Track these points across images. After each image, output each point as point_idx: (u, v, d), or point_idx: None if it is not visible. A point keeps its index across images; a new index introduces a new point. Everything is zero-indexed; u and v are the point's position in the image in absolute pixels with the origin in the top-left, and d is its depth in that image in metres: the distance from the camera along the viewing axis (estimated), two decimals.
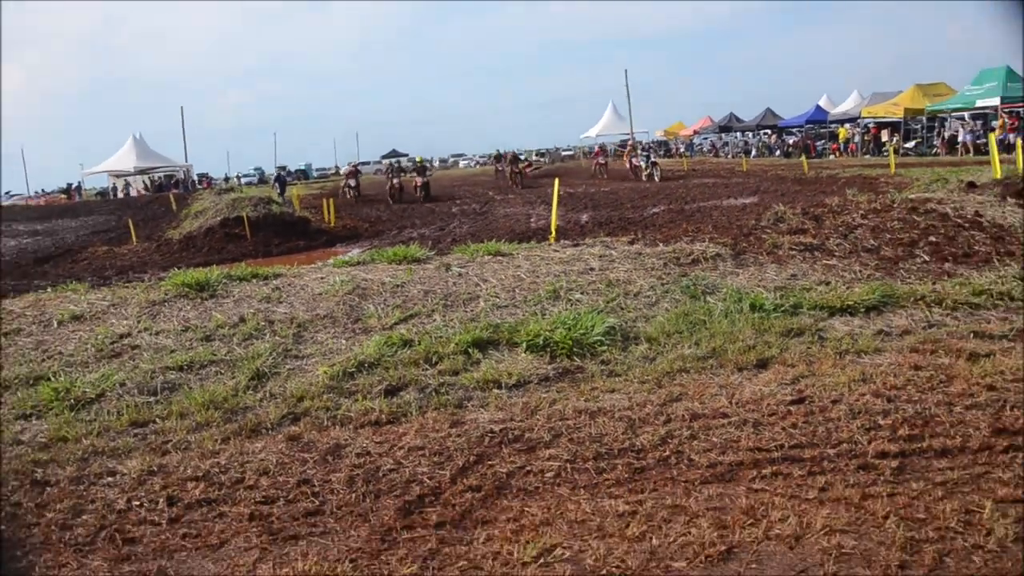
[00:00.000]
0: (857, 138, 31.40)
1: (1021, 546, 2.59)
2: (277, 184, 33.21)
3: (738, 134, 43.63)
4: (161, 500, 3.27)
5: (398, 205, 23.67)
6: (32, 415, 4.20)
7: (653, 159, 24.16)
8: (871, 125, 30.58)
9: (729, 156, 38.29)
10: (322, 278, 6.43)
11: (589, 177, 28.21)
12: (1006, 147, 20.41)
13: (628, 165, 27.41)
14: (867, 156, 28.62)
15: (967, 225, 6.63)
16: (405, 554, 2.78)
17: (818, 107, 37.66)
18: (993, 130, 22.55)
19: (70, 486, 3.44)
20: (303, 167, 72.29)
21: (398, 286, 6.02)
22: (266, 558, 2.80)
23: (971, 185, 9.31)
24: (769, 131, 40.34)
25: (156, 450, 3.79)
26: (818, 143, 33.94)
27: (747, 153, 37.83)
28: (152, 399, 4.36)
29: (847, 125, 33.11)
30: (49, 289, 7.19)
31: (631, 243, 7.09)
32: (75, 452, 3.75)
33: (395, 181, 25.49)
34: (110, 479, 3.49)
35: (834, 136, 33.40)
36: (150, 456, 3.71)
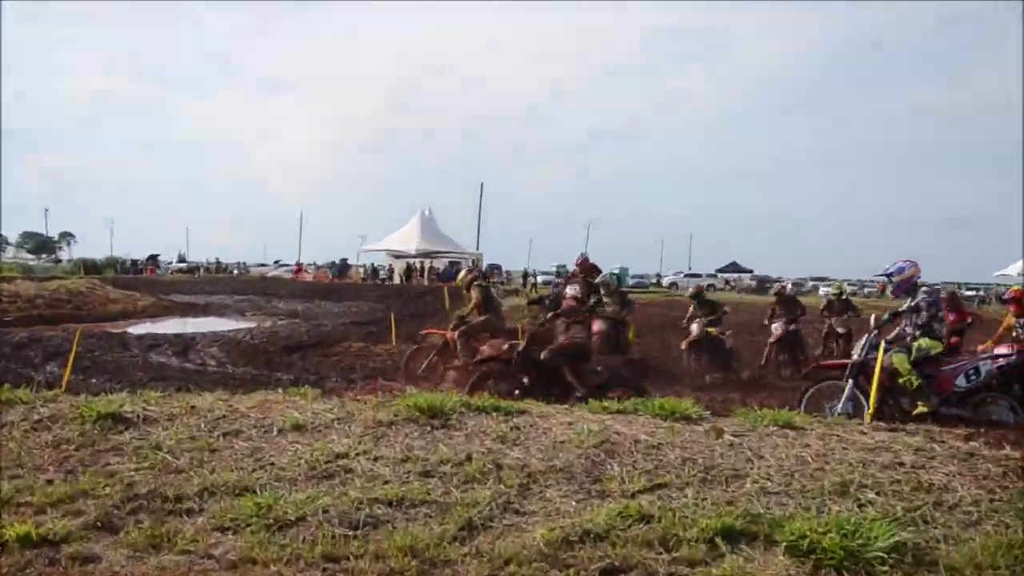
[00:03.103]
0: None
1: None
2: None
3: None
4: None
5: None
6: (229, 528, 5.16)
7: None
8: None
9: None
10: (570, 423, 7.06)
11: None
12: None
13: None
14: None
15: None
16: None
17: None
18: None
19: None
20: (616, 271, 74.71)
21: (654, 447, 6.50)
22: None
23: None
24: None
25: None
26: None
27: None
28: (351, 532, 5.11)
29: None
30: (280, 391, 8.53)
31: (967, 439, 7.06)
32: None
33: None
34: None
35: None
36: None
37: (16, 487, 5.78)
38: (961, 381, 11.09)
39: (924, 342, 11.31)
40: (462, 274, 19.10)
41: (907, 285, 11.83)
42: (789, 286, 22.65)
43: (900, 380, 11.03)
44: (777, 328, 19.48)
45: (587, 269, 19.61)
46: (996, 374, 11.21)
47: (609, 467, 6.25)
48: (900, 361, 11.15)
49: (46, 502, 5.52)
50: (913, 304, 11.58)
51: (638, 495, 5.77)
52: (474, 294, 17.24)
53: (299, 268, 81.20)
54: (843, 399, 11.21)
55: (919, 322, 11.52)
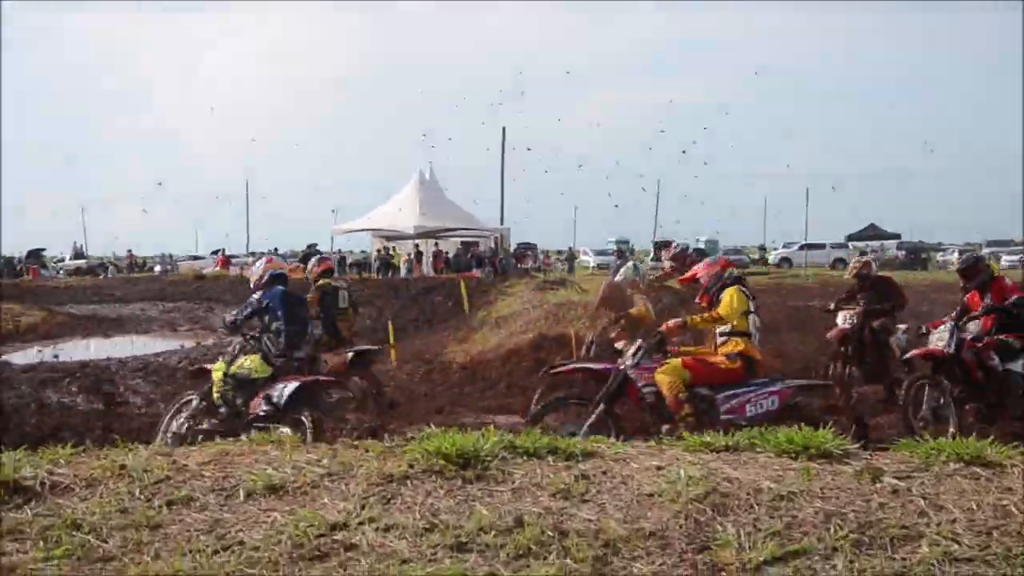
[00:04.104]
0: None
1: None
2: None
3: None
4: None
5: None
6: None
7: None
8: None
9: None
10: (659, 467, 6.85)
11: None
12: None
13: None
14: None
15: None
16: None
17: None
18: None
19: None
20: (702, 245, 73.19)
21: (781, 497, 6.28)
22: None
23: None
24: None
25: None
26: None
27: None
28: None
29: None
30: (244, 437, 8.20)
31: None
32: None
33: None
34: None
35: None
36: None
37: None
38: (263, 405, 12.08)
39: (249, 362, 12.18)
40: (311, 263, 19.62)
41: (260, 287, 12.89)
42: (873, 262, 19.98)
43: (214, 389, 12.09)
44: (843, 321, 16.95)
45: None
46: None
47: (720, 528, 6.00)
48: (217, 368, 12.29)
49: None
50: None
51: (765, 567, 5.54)
52: (310, 296, 17.72)
53: (226, 259, 78.68)
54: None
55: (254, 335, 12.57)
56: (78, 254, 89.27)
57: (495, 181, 73.07)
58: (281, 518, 6.26)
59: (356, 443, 7.70)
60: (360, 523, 6.15)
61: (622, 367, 11.74)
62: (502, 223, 64.37)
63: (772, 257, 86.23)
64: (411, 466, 6.95)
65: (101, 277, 72.81)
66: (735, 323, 11.73)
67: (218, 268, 72.94)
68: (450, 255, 63.45)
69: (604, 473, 6.83)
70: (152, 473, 7.05)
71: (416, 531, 6.02)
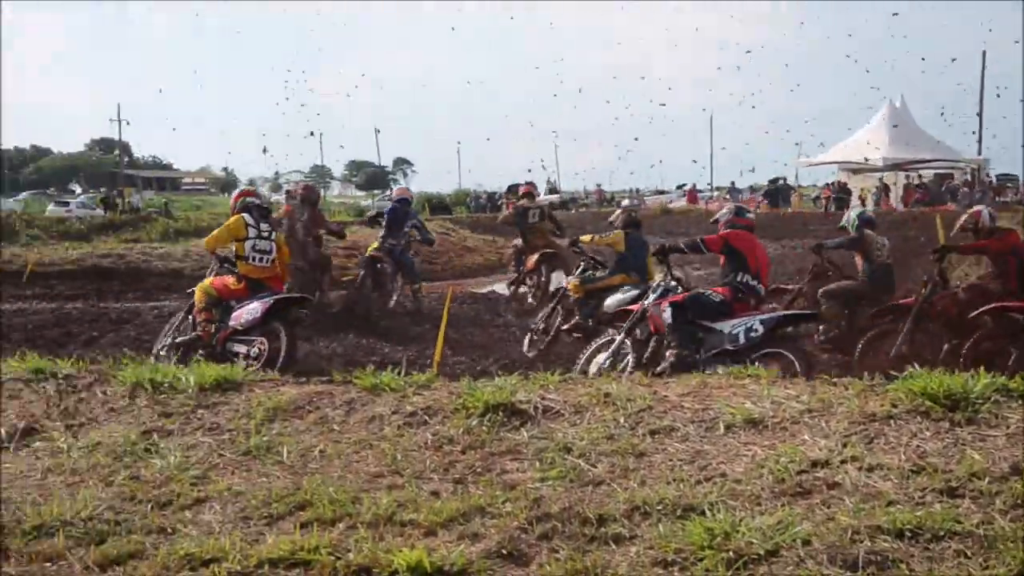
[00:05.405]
0: None
1: None
2: None
3: None
4: None
5: None
6: (675, 563, 5.00)
7: None
8: None
9: None
10: None
11: None
12: None
13: None
14: None
15: None
16: None
17: None
18: None
19: None
20: None
21: None
22: None
23: None
24: None
25: None
26: None
27: None
28: (847, 574, 4.79)
29: None
30: (719, 370, 8.24)
31: None
32: None
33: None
34: None
35: None
36: None
37: (397, 500, 5.95)
38: None
39: None
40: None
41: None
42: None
43: None
44: None
45: None
46: None
47: None
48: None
49: (435, 521, 5.63)
50: None
51: None
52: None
53: (693, 194, 78.64)
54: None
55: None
56: (552, 189, 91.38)
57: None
58: (761, 452, 6.28)
59: (835, 381, 7.58)
60: (842, 461, 6.04)
61: None
62: (979, 153, 61.08)
63: None
64: (894, 406, 6.76)
65: (572, 211, 74.34)
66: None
67: (686, 203, 73.32)
68: (921, 188, 60.60)
69: None
70: (635, 402, 7.21)
71: (902, 472, 5.85)
